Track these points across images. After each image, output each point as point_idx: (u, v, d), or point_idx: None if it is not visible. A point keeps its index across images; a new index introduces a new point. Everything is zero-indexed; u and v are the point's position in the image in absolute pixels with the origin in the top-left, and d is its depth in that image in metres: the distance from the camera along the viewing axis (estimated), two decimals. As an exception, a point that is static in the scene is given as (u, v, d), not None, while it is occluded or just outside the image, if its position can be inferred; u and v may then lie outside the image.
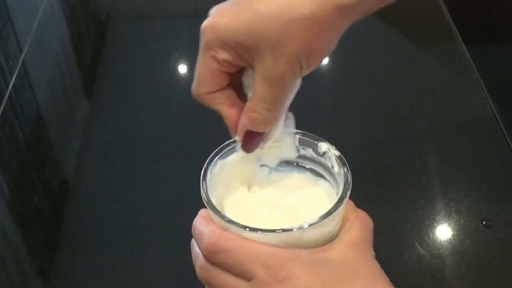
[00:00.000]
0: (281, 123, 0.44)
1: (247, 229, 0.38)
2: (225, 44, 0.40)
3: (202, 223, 0.42)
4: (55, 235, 0.61)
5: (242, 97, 0.44)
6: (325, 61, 0.84)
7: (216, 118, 0.79)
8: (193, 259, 0.42)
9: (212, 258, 0.39)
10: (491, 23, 0.89)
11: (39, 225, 0.63)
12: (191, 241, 0.43)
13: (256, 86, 0.40)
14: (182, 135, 0.73)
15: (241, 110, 0.43)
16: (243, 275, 0.38)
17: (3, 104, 0.76)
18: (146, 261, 0.58)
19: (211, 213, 0.41)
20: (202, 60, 0.42)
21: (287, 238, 0.38)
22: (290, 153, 0.46)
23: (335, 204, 0.39)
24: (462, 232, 0.59)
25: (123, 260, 0.58)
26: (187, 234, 0.61)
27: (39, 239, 0.61)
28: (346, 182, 0.41)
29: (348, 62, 0.83)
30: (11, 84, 0.79)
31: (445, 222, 0.60)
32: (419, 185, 0.64)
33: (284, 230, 0.38)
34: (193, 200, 0.64)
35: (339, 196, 0.40)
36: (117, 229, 0.61)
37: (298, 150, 0.46)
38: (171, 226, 0.61)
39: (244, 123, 0.42)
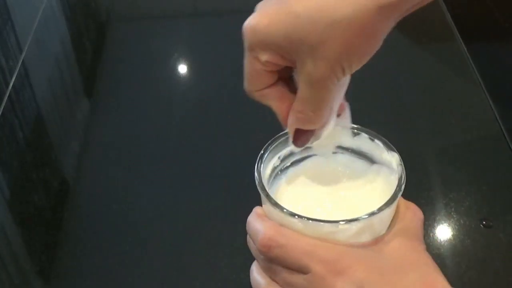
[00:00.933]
0: (332, 119, 0.43)
1: (310, 221, 0.39)
2: (266, 46, 0.39)
3: (256, 219, 0.42)
4: (55, 235, 0.61)
5: (293, 90, 0.43)
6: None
7: (215, 118, 0.80)
8: (254, 255, 0.43)
9: (268, 254, 0.39)
10: (491, 23, 0.89)
11: (39, 225, 0.63)
12: (248, 238, 0.44)
13: (299, 87, 0.40)
14: (182, 135, 0.73)
15: (291, 104, 0.42)
16: (299, 269, 0.38)
17: (3, 104, 0.76)
18: (146, 261, 0.58)
19: (269, 207, 0.41)
20: (247, 60, 0.41)
21: (356, 227, 0.39)
22: (346, 142, 0.46)
23: (390, 197, 0.40)
24: (462, 232, 0.59)
25: (123, 260, 0.58)
26: (187, 234, 0.61)
27: (39, 239, 0.61)
28: (400, 182, 0.41)
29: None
30: (11, 84, 0.79)
31: (445, 222, 0.60)
32: (419, 185, 0.63)
33: (348, 221, 0.38)
34: (193, 200, 0.65)
35: (393, 192, 0.40)
36: (117, 229, 0.61)
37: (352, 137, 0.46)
38: (171, 226, 0.61)
39: (292, 121, 0.42)
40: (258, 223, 0.41)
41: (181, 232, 0.61)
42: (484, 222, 0.59)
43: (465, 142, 0.69)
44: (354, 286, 0.36)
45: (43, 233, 0.62)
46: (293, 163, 0.48)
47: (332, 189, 0.46)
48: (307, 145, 0.44)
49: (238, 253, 0.58)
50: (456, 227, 0.59)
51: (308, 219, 0.39)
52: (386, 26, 0.38)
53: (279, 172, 0.47)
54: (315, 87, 0.39)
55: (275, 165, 0.46)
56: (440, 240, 0.58)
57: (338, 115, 0.45)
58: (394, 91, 0.78)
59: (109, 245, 0.60)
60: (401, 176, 0.41)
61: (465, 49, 0.82)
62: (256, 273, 0.42)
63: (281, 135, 0.46)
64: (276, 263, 0.40)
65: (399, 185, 0.41)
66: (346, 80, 0.42)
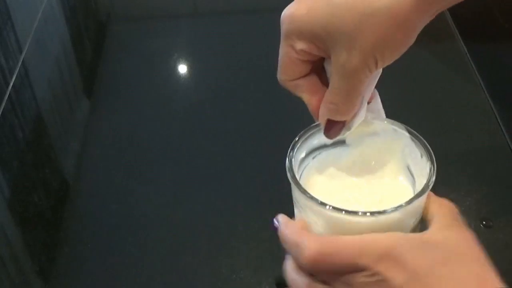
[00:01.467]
0: (362, 111, 0.43)
1: (343, 212, 0.39)
2: (302, 35, 0.39)
3: (292, 232, 0.41)
4: (55, 235, 0.61)
5: (325, 82, 0.43)
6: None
7: (215, 118, 0.79)
8: (289, 270, 0.42)
9: (319, 267, 0.39)
10: (491, 23, 0.89)
11: (39, 225, 0.63)
12: (287, 271, 0.43)
13: (331, 78, 0.40)
14: (182, 135, 0.73)
15: (323, 96, 0.42)
16: (354, 269, 0.38)
17: (3, 104, 0.76)
18: (146, 261, 0.58)
19: (307, 202, 0.41)
20: (282, 48, 0.42)
21: (381, 221, 0.39)
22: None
23: (422, 189, 0.41)
24: (462, 232, 0.59)
25: (123, 260, 0.58)
26: (187, 234, 0.61)
27: (39, 239, 0.61)
28: (431, 172, 0.42)
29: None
30: (11, 84, 0.79)
31: (445, 222, 0.60)
32: (419, 185, 0.63)
33: (379, 213, 0.39)
34: (193, 199, 0.65)
35: (424, 184, 0.41)
36: (117, 229, 0.61)
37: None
38: (171, 226, 0.61)
39: (323, 112, 0.42)
40: (296, 236, 0.40)
41: (181, 232, 0.61)
42: (484, 222, 0.59)
43: (465, 142, 0.69)
44: (408, 275, 0.36)
45: (43, 233, 0.62)
46: (304, 165, 0.48)
47: (350, 181, 0.46)
48: (339, 137, 0.44)
49: (238, 253, 0.58)
50: (456, 227, 0.59)
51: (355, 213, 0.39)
52: (422, 21, 0.37)
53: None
54: (348, 78, 0.39)
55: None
56: (440, 240, 0.58)
57: (368, 103, 0.45)
58: (393, 91, 0.78)
59: (109, 245, 0.60)
60: (432, 160, 0.42)
61: (465, 49, 0.82)
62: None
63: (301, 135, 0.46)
64: (328, 273, 0.39)
65: (431, 172, 0.42)
66: (378, 72, 0.42)
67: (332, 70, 0.40)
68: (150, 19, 0.98)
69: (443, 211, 0.42)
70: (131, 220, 0.62)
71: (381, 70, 0.43)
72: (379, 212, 0.39)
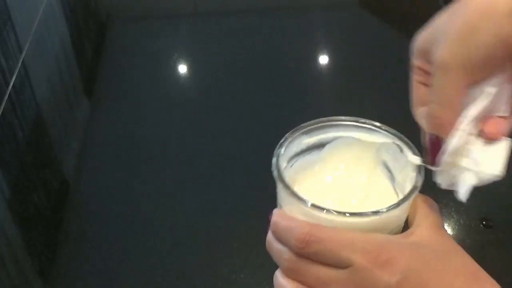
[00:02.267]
0: (461, 134, 0.40)
1: (335, 213, 0.38)
2: (416, 51, 0.41)
3: (285, 218, 0.40)
4: (55, 235, 0.61)
5: None
6: (325, 60, 0.84)
7: (215, 117, 0.79)
8: (276, 257, 0.41)
9: (306, 249, 0.38)
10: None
11: (39, 225, 0.63)
12: (268, 239, 0.42)
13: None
14: (182, 135, 0.73)
15: None
16: (339, 263, 0.37)
17: (3, 104, 0.76)
18: (146, 261, 0.58)
19: (295, 204, 0.40)
20: None
21: (371, 221, 0.39)
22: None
23: (409, 191, 0.40)
24: (462, 232, 0.59)
25: (123, 260, 0.58)
26: (187, 234, 0.61)
27: (39, 239, 0.61)
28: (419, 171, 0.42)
29: (348, 62, 0.83)
30: (11, 84, 0.79)
31: (445, 222, 0.60)
32: (419, 185, 0.63)
33: (373, 213, 0.39)
34: (193, 199, 0.65)
35: (412, 186, 0.41)
36: (117, 229, 0.61)
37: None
38: (171, 226, 0.61)
39: (425, 119, 0.41)
40: (289, 221, 0.40)
41: (181, 232, 0.61)
42: (484, 222, 0.59)
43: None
44: (400, 276, 0.36)
45: (43, 233, 0.62)
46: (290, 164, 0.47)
47: (336, 184, 0.46)
48: (439, 168, 0.42)
49: (238, 253, 0.58)
50: (456, 227, 0.59)
51: (350, 214, 0.39)
52: None
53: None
54: (437, 72, 0.38)
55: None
56: (440, 240, 0.58)
57: (490, 139, 0.41)
58: (394, 91, 0.78)
59: (109, 245, 0.60)
60: (420, 164, 0.42)
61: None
62: (282, 278, 0.41)
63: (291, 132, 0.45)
64: (313, 259, 0.38)
65: (420, 173, 0.41)
66: (485, 93, 0.39)
67: None
68: (150, 19, 0.98)
69: (426, 210, 0.42)
70: (131, 220, 0.62)
71: (490, 94, 0.38)
72: (380, 211, 0.39)
